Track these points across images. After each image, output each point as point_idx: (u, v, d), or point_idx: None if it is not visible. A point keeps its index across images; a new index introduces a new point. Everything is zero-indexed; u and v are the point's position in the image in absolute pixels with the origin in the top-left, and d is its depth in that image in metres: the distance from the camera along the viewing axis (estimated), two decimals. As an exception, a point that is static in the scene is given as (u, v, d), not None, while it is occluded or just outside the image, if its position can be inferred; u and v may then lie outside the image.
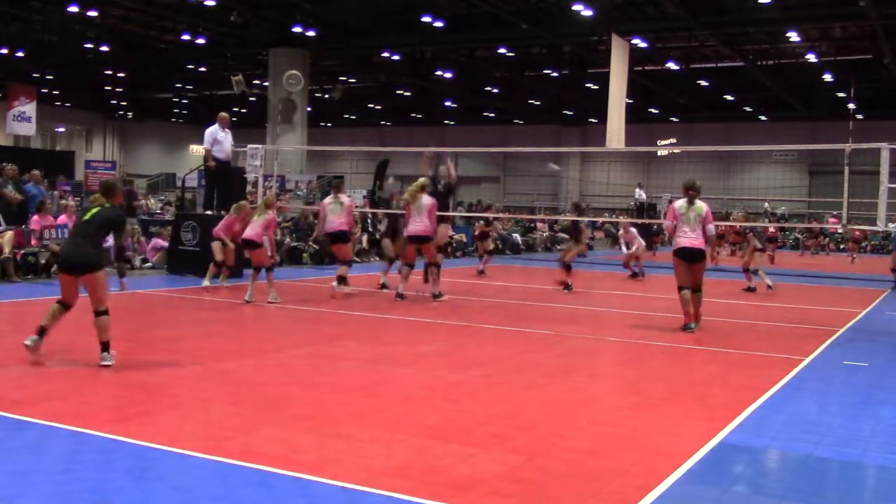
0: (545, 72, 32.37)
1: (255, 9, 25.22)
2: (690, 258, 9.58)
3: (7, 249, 12.19)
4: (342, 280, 11.94)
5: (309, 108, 29.32)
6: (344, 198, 12.35)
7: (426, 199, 11.60)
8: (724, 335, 9.67)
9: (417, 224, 11.55)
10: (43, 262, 12.97)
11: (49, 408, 5.21)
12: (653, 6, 23.38)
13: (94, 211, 6.79)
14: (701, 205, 9.67)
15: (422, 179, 12.04)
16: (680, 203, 9.79)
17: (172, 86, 40.48)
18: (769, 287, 14.58)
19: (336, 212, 12.09)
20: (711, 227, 9.70)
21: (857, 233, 26.39)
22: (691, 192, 9.72)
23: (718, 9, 22.53)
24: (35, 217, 13.20)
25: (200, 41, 28.18)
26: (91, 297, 6.59)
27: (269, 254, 11.54)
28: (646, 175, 42.50)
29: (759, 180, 41.38)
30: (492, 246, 18.71)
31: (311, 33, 25.83)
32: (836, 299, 14.37)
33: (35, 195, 14.67)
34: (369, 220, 20.53)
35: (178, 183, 25.64)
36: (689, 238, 9.55)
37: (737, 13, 22.60)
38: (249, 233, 11.16)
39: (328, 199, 12.47)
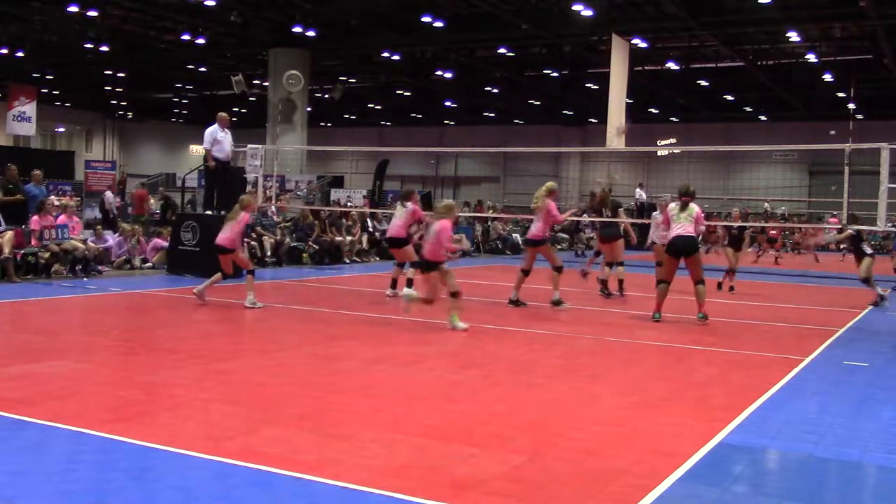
0: (545, 72, 32.32)
1: (255, 9, 25.19)
2: (685, 251, 10.17)
3: (7, 249, 12.19)
4: (409, 284, 11.93)
5: (309, 108, 29.28)
6: (410, 205, 12.30)
7: (544, 203, 11.44)
8: (724, 335, 9.67)
9: (532, 228, 11.66)
10: (43, 262, 12.98)
11: (49, 408, 5.21)
12: (653, 6, 23.34)
13: None
14: (693, 207, 10.35)
15: (550, 183, 12.04)
16: (673, 206, 10.55)
17: (172, 86, 40.45)
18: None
19: (398, 216, 12.26)
20: (701, 228, 10.65)
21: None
22: (684, 197, 10.41)
23: (718, 9, 22.50)
24: (35, 217, 13.20)
25: (200, 41, 28.14)
26: None
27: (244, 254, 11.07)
28: (646, 175, 42.46)
29: (759, 180, 41.34)
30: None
31: (311, 33, 25.79)
32: (836, 299, 14.35)
33: (35, 195, 14.67)
34: (368, 221, 20.55)
35: (179, 183, 25.65)
36: (676, 232, 10.22)
37: (737, 13, 22.55)
38: (221, 238, 10.48)
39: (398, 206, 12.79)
